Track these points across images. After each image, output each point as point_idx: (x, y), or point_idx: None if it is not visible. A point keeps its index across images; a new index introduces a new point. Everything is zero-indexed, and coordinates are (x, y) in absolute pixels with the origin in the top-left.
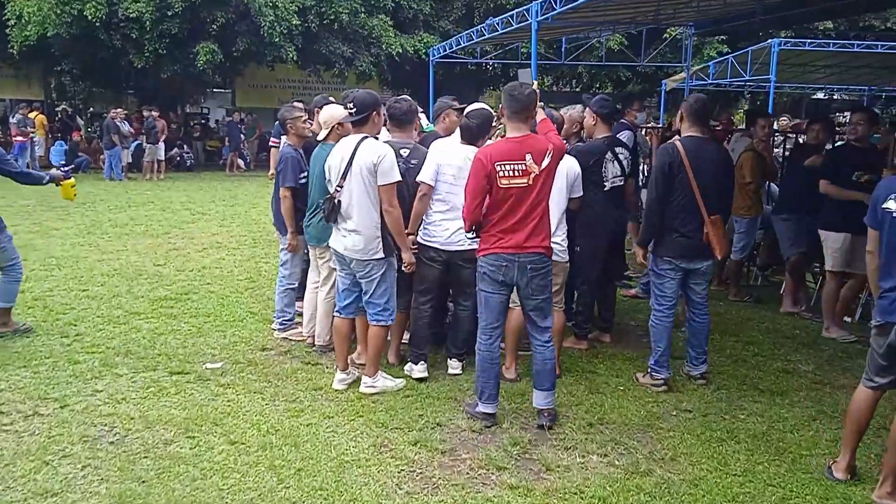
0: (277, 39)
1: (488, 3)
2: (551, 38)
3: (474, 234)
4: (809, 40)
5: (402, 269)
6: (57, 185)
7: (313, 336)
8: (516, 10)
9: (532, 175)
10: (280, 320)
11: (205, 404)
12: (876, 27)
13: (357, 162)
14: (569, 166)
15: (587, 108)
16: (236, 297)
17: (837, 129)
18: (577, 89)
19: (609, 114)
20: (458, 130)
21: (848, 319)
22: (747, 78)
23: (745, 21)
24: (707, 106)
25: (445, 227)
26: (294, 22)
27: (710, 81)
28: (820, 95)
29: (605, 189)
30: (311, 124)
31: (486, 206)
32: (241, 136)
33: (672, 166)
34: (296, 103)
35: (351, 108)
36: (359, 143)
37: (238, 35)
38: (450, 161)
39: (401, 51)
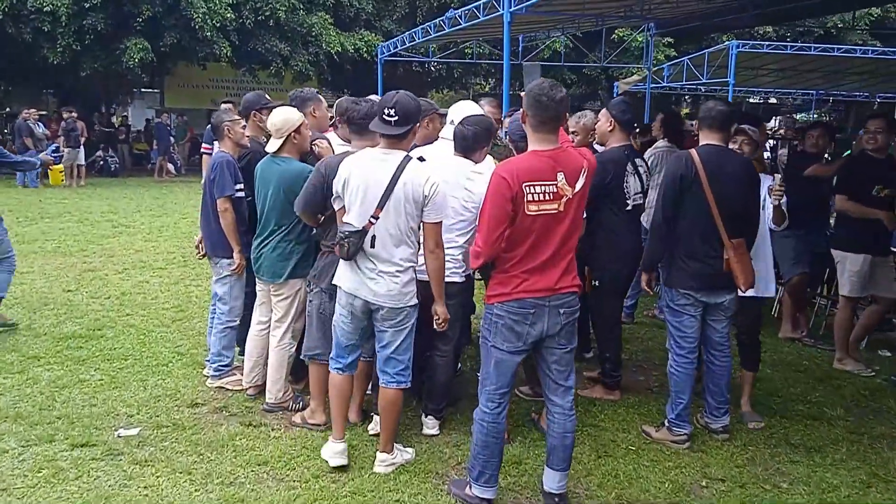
0: (210, 35)
1: (431, 2)
2: (493, 38)
3: (482, 276)
4: (767, 43)
5: (436, 325)
6: (48, 170)
7: (254, 385)
8: (483, 1)
9: (564, 199)
10: (216, 366)
11: (113, 494)
12: (815, 31)
13: (402, 188)
14: None
15: (602, 113)
16: (161, 331)
17: (769, 133)
18: (522, 92)
19: (629, 121)
20: (441, 139)
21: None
22: (704, 80)
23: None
24: (729, 112)
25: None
26: (228, 16)
27: (664, 84)
28: (755, 100)
29: (628, 208)
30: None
31: (506, 237)
32: (171, 138)
33: (685, 179)
34: (226, 105)
35: (392, 117)
36: (402, 165)
37: (166, 30)
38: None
39: (341, 50)
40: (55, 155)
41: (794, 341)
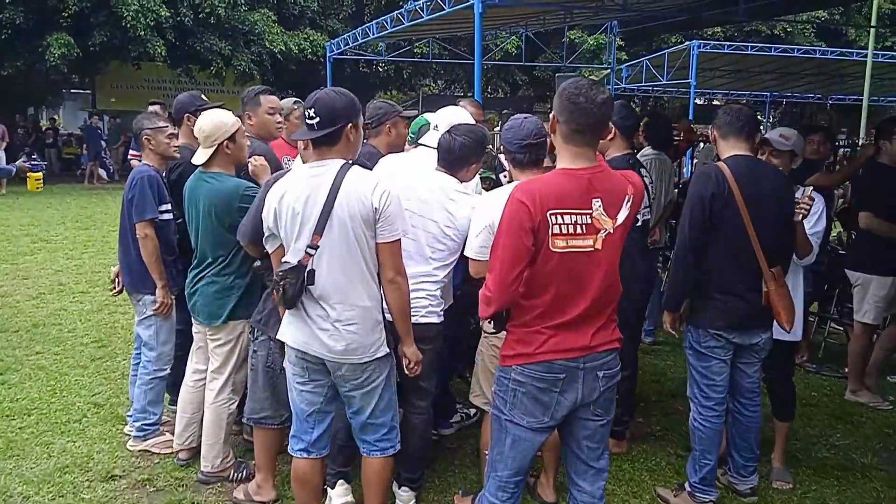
0: (143, 33)
1: (379, 0)
2: (450, 36)
3: (495, 326)
4: (728, 43)
5: (406, 370)
6: (24, 177)
7: (187, 448)
8: None
9: (602, 234)
10: (139, 424)
11: None
12: (762, 31)
13: (342, 204)
14: None
15: None
16: (76, 375)
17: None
18: (470, 94)
19: (631, 127)
20: (415, 149)
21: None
22: (664, 82)
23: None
24: (754, 117)
25: None
26: (163, 14)
27: (623, 85)
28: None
29: (638, 224)
30: (177, 137)
31: (524, 280)
32: (103, 142)
33: (716, 199)
34: (154, 107)
35: (313, 119)
36: (340, 175)
37: (96, 27)
38: (410, 191)
39: (285, 49)
40: (33, 163)
41: (796, 367)
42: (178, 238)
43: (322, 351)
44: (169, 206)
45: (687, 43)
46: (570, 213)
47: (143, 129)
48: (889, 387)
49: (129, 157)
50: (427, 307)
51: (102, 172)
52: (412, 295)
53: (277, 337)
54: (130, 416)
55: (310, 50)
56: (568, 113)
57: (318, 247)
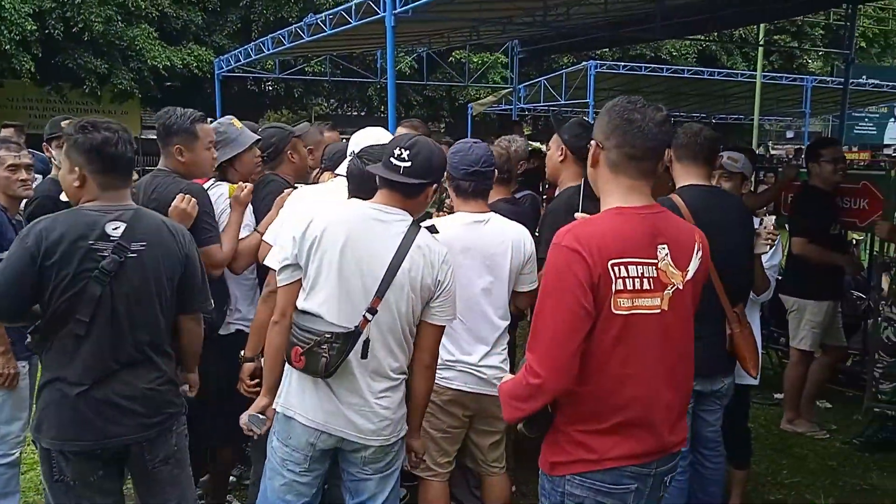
0: (8, 48)
1: (267, 16)
2: (349, 53)
3: (535, 429)
4: (623, 64)
5: (410, 464)
6: None
7: None
8: (355, 2)
9: (670, 289)
10: None
11: None
12: (646, 55)
13: (407, 270)
14: (515, 238)
15: (553, 139)
16: None
17: None
18: (363, 113)
19: (585, 149)
20: (334, 179)
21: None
22: (563, 102)
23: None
24: (715, 141)
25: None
26: (28, 27)
27: (522, 105)
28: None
29: None
30: (28, 169)
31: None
32: None
33: None
34: (6, 131)
35: (405, 160)
36: (412, 233)
37: None
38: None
39: (169, 64)
40: None
41: None
42: None
43: (348, 430)
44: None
45: (584, 63)
46: (635, 263)
47: None
48: (820, 412)
49: None
50: None
51: None
52: None
53: (279, 407)
54: None
55: (195, 66)
56: (621, 134)
57: (378, 312)
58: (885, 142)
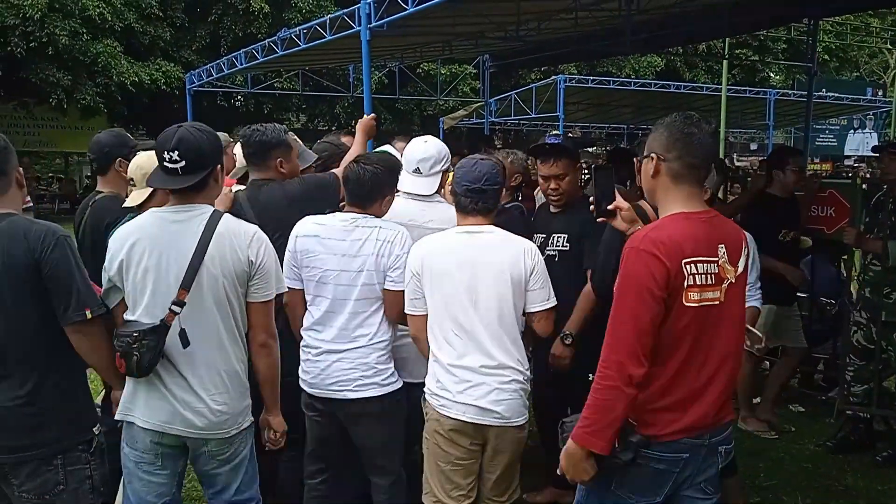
0: None
1: (236, 32)
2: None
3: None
4: (592, 78)
5: (268, 440)
6: None
7: None
8: (330, 17)
9: (726, 283)
10: None
11: None
12: (613, 73)
13: (214, 257)
14: (514, 251)
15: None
16: None
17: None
18: (334, 127)
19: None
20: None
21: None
22: (533, 115)
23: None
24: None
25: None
26: None
27: (492, 119)
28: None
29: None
30: None
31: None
32: None
33: None
34: None
35: (176, 161)
36: (212, 223)
37: None
38: (314, 230)
39: (137, 80)
40: None
41: None
42: None
43: (185, 429)
44: None
45: (553, 77)
46: (703, 261)
47: None
48: (793, 416)
49: None
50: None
51: None
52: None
53: (118, 415)
54: None
55: (163, 81)
56: (682, 147)
57: (185, 303)
58: (846, 153)
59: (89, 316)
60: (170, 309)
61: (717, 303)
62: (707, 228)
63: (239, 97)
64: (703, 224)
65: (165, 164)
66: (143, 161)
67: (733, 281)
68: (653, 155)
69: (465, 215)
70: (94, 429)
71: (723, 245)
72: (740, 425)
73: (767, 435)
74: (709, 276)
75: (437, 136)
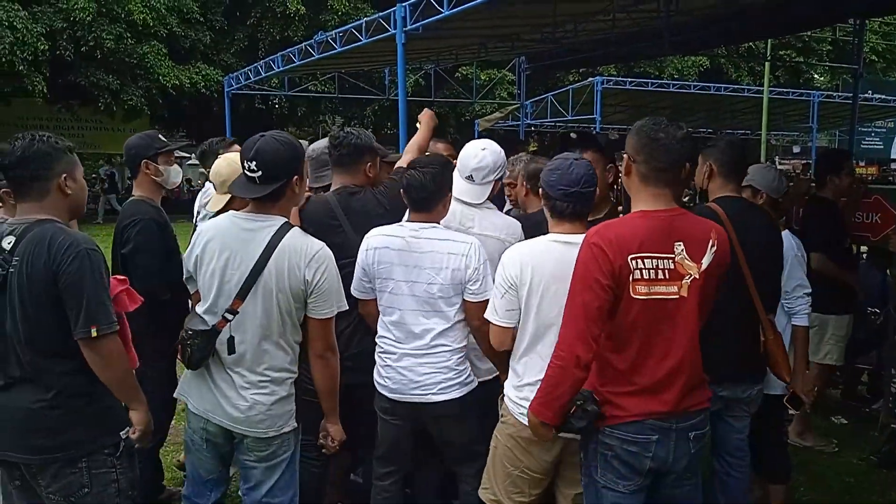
0: (21, 68)
1: (273, 35)
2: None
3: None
4: (630, 80)
5: (324, 444)
6: None
7: None
8: (366, 20)
9: (688, 279)
10: None
11: None
12: (654, 73)
13: (272, 272)
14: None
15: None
16: None
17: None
18: (369, 130)
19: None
20: None
21: None
22: (570, 117)
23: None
24: (745, 152)
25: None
26: (41, 47)
27: (528, 121)
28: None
29: None
30: None
31: (608, 334)
32: None
33: None
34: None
35: (254, 171)
36: (278, 237)
37: None
38: (384, 242)
39: (178, 83)
40: None
41: None
42: None
43: (224, 419)
44: None
45: (591, 79)
46: (653, 257)
47: None
48: (835, 428)
49: None
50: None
51: None
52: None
53: (176, 394)
54: None
55: (203, 84)
56: (648, 151)
57: (238, 313)
58: (893, 156)
59: (94, 334)
60: (223, 316)
61: (674, 297)
62: (664, 226)
63: (276, 99)
64: (660, 222)
65: (246, 172)
66: (222, 167)
67: (697, 277)
68: (626, 155)
69: (560, 220)
70: (121, 433)
71: (681, 242)
72: (793, 440)
73: (829, 448)
74: (661, 271)
75: (472, 139)
